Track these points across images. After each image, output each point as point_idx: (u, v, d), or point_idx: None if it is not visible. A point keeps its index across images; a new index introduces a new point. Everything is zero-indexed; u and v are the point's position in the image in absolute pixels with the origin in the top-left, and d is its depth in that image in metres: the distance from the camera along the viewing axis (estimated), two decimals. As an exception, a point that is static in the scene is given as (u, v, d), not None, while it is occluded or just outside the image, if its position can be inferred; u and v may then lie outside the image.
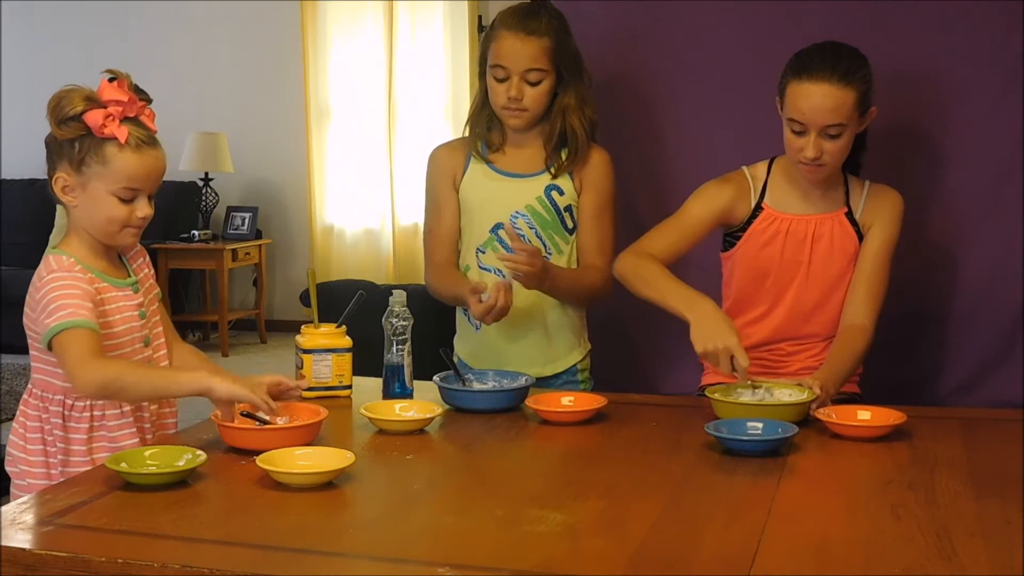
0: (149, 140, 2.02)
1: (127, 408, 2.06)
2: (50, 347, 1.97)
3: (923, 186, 2.68)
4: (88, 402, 2.04)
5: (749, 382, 2.18)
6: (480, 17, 6.75)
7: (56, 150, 2.02)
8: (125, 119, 1.99)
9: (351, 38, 7.26)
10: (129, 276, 2.12)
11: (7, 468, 2.07)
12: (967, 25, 2.65)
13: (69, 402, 2.04)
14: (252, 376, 2.05)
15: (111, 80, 1.99)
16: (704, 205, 2.46)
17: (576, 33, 2.60)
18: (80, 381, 1.93)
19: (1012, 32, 2.61)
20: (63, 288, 1.96)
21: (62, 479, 1.93)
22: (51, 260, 2.02)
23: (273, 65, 7.48)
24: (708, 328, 2.20)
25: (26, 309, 2.03)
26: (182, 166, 7.16)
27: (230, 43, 7.56)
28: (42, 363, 2.05)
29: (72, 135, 1.98)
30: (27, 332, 2.05)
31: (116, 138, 1.97)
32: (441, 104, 7.15)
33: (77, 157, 1.99)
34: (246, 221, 7.37)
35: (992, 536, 1.54)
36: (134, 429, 2.07)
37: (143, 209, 2.04)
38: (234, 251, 7.19)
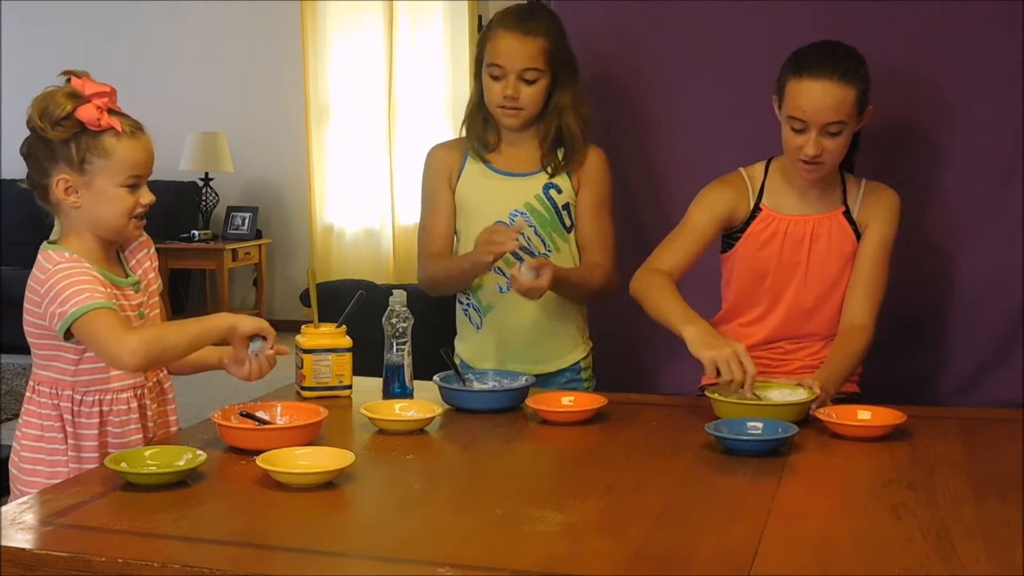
0: (138, 126, 2.03)
1: (133, 404, 2.07)
2: (67, 335, 1.96)
3: (923, 186, 2.68)
4: (97, 396, 2.04)
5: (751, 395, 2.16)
6: (480, 17, 6.76)
7: (47, 155, 1.99)
8: (110, 111, 1.99)
9: (351, 38, 7.26)
10: (128, 275, 2.11)
11: (12, 468, 2.06)
12: (967, 25, 2.65)
13: (78, 397, 2.03)
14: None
15: (77, 78, 1.98)
16: (706, 211, 2.45)
17: (576, 33, 2.60)
18: (124, 354, 1.91)
19: (1012, 31, 2.61)
20: (74, 275, 1.96)
21: (75, 474, 1.94)
22: (52, 254, 2.00)
23: (273, 65, 7.48)
24: (710, 338, 2.19)
25: (27, 305, 2.02)
26: (182, 166, 7.16)
27: (230, 43, 7.56)
28: (51, 359, 2.03)
29: (66, 135, 1.97)
30: (29, 329, 2.03)
31: (113, 128, 1.97)
32: (441, 104, 7.15)
33: (77, 156, 1.98)
34: (246, 221, 7.37)
35: (992, 536, 1.54)
36: (139, 425, 2.07)
37: (146, 195, 2.05)
38: (234, 251, 7.20)
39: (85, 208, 2.02)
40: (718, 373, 2.14)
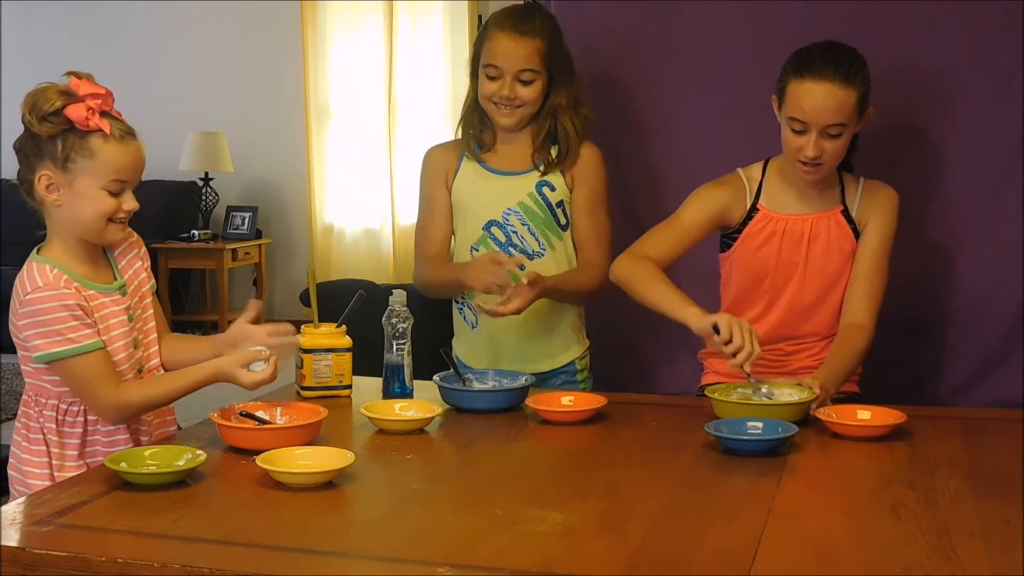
0: (130, 132, 2.02)
1: None
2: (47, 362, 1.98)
3: (923, 186, 2.68)
4: (82, 406, 2.03)
5: (753, 379, 2.18)
6: (480, 17, 6.76)
7: (34, 150, 1.98)
8: (103, 113, 1.97)
9: (351, 38, 7.26)
10: (115, 279, 2.09)
11: (11, 469, 2.06)
12: (967, 25, 2.65)
13: (63, 407, 2.03)
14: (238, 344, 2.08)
15: (77, 78, 1.97)
16: (699, 209, 2.46)
17: (575, 33, 2.61)
18: (108, 411, 2.00)
19: (1011, 31, 2.61)
20: (51, 311, 1.95)
21: (60, 481, 1.93)
22: (35, 271, 1.99)
23: (273, 65, 7.48)
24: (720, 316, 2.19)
25: (11, 315, 2.00)
26: (182, 166, 7.16)
27: (230, 43, 7.56)
28: (36, 371, 2.03)
29: (54, 131, 1.95)
30: (16, 341, 2.02)
31: (101, 130, 1.96)
32: (441, 104, 7.15)
33: (62, 155, 1.96)
34: (246, 221, 7.37)
35: (992, 536, 1.54)
36: (128, 435, 2.06)
37: (129, 202, 2.03)
38: (234, 251, 7.20)
39: (65, 208, 2.00)
40: (729, 340, 2.14)
